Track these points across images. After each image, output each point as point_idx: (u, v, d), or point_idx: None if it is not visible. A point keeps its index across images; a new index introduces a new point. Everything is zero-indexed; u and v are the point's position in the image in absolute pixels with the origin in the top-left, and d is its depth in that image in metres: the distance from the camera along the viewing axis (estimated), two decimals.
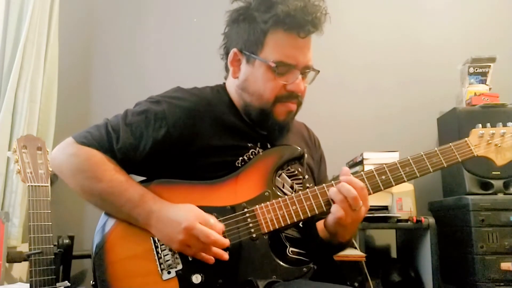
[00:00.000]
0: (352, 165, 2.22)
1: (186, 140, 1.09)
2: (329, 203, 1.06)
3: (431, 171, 1.08)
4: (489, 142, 1.12)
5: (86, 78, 2.68)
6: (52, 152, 1.12)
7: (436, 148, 1.10)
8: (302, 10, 1.06)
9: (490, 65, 2.31)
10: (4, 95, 2.13)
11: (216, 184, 1.09)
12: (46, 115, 2.34)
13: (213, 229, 0.99)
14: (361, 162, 2.08)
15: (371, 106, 2.60)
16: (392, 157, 2.02)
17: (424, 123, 2.51)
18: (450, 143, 1.11)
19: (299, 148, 1.14)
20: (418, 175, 1.08)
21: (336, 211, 1.02)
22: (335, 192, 1.03)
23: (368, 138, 2.51)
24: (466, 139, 1.13)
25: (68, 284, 1.53)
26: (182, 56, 2.68)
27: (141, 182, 1.11)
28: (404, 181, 1.08)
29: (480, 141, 1.12)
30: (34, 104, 2.22)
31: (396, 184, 1.08)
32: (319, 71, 1.17)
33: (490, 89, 2.29)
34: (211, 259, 0.99)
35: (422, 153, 1.10)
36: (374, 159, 2.04)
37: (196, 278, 1.00)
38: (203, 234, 0.97)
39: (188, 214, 1.00)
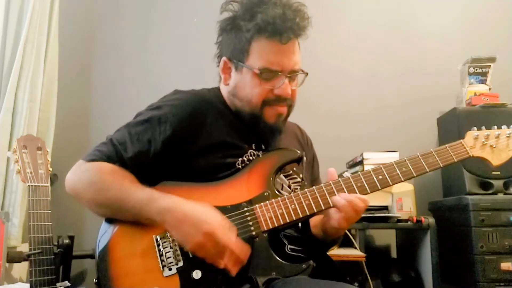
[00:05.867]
0: (352, 165, 2.22)
1: (191, 138, 1.15)
2: (327, 203, 1.09)
3: (428, 171, 1.11)
4: (484, 143, 1.15)
5: (86, 78, 2.68)
6: (66, 177, 1.15)
7: (432, 149, 1.13)
8: (280, 17, 1.10)
9: (490, 65, 2.31)
10: (4, 95, 2.12)
11: (217, 185, 1.13)
12: (46, 115, 2.34)
13: (231, 237, 1.00)
14: (361, 162, 2.08)
15: (371, 106, 2.60)
16: (392, 157, 2.00)
17: (424, 123, 2.51)
18: (446, 145, 1.14)
19: (298, 152, 1.18)
20: (415, 175, 1.11)
21: (341, 222, 1.07)
22: (345, 205, 1.06)
23: (368, 138, 2.51)
24: (461, 140, 1.16)
25: (68, 284, 1.53)
26: (182, 56, 2.68)
27: (147, 185, 1.14)
28: (402, 181, 1.11)
29: (475, 143, 1.15)
30: (34, 104, 2.22)
31: (393, 184, 1.10)
32: (307, 74, 1.20)
33: (490, 89, 2.29)
34: (221, 265, 1.00)
35: (418, 154, 1.12)
36: (374, 159, 2.04)
37: (196, 274, 1.02)
38: (223, 241, 0.98)
39: (209, 216, 1.01)
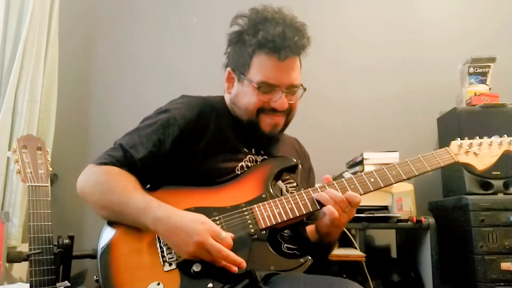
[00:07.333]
0: (352, 165, 2.22)
1: (196, 139, 1.21)
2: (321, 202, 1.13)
3: (416, 174, 1.19)
4: (468, 150, 1.25)
5: (86, 78, 2.68)
6: (77, 180, 1.18)
7: (419, 156, 1.22)
8: (280, 36, 1.17)
9: (490, 65, 2.31)
10: (4, 95, 2.12)
11: (217, 189, 1.19)
12: (46, 115, 2.34)
13: (224, 242, 1.02)
14: (361, 162, 2.08)
15: (371, 106, 2.60)
16: (392, 157, 2.02)
17: (424, 123, 2.51)
18: (432, 151, 1.24)
19: (294, 160, 1.26)
20: (404, 178, 1.19)
21: (331, 212, 1.09)
22: (326, 198, 1.11)
23: (368, 138, 2.51)
24: (446, 148, 1.26)
25: (68, 284, 1.53)
26: (182, 56, 2.68)
27: (150, 189, 1.18)
28: (393, 183, 1.18)
29: (460, 150, 1.26)
30: (34, 104, 2.22)
31: (384, 186, 1.17)
32: (305, 89, 1.26)
33: (490, 89, 2.29)
34: (220, 265, 1.02)
35: (407, 160, 1.21)
36: (374, 159, 2.04)
37: (197, 267, 1.04)
38: (214, 249, 1.01)
39: (199, 227, 1.03)
